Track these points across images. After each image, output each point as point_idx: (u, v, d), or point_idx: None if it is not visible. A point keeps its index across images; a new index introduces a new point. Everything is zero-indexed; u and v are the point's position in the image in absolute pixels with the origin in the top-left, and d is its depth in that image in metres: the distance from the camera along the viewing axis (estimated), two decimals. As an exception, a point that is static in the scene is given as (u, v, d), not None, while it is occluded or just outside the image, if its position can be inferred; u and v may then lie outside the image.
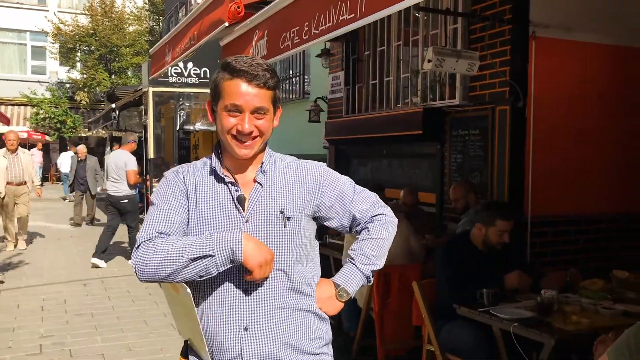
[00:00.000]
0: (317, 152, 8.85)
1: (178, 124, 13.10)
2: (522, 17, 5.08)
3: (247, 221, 1.67)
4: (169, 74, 12.22)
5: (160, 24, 24.90)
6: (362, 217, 1.83)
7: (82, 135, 24.42)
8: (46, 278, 7.38)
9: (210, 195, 1.70)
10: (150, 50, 7.07)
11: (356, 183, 1.89)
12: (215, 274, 1.58)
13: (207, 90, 7.89)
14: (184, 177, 1.73)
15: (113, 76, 23.89)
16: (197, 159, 8.64)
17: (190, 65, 12.20)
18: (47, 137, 23.16)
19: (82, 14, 23.85)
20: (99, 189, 12.97)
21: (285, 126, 10.47)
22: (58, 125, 23.49)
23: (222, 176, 1.71)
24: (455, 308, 3.30)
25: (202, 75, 12.03)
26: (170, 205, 1.67)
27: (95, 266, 8.07)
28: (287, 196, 1.73)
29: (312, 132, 8.80)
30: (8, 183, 8.95)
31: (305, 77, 9.98)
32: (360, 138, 7.27)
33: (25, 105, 24.05)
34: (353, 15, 2.68)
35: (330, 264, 5.34)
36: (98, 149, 24.78)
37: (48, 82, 24.71)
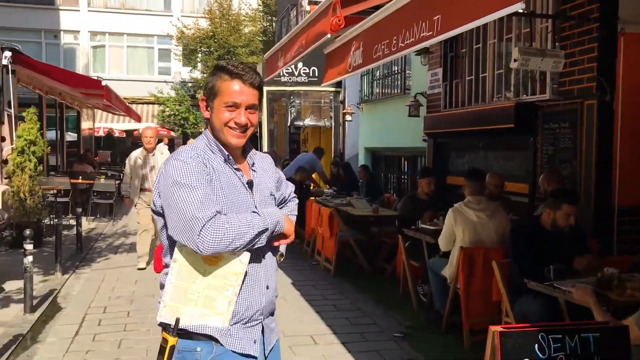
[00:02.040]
0: (417, 145, 9.32)
1: (289, 119, 14.06)
2: (610, 14, 5.30)
3: (255, 202, 2.04)
4: (281, 74, 13.15)
5: (273, 24, 26.19)
6: (287, 198, 2.33)
7: (202, 130, 26.29)
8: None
9: (226, 180, 1.98)
10: (265, 56, 7.88)
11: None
12: (264, 244, 1.94)
13: (317, 88, 8.89)
14: (205, 165, 1.94)
15: (230, 75, 25.47)
16: (306, 152, 9.74)
17: (300, 65, 13.06)
18: (172, 133, 25.26)
19: (202, 17, 25.68)
20: None
21: (387, 121, 11.08)
22: (182, 122, 25.55)
23: (232, 163, 2.02)
24: (526, 283, 3.75)
25: (311, 74, 12.87)
26: (207, 187, 1.89)
27: None
28: (269, 179, 2.18)
29: (412, 126, 9.27)
30: (145, 190, 7.54)
31: (408, 72, 10.44)
32: (457, 131, 7.69)
33: (153, 103, 26.33)
34: (431, 32, 3.23)
35: (422, 248, 5.85)
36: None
37: (173, 82, 26.86)
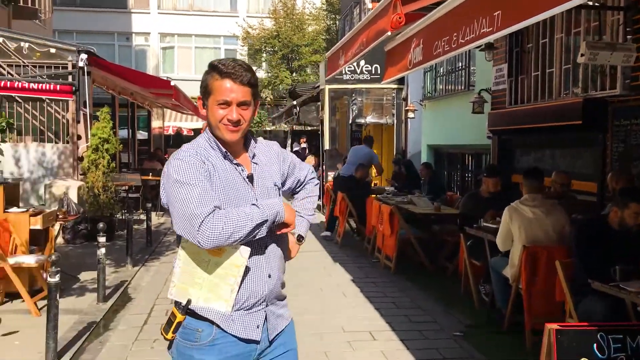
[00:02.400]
0: (481, 143, 9.16)
1: (350, 117, 14.08)
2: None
3: (256, 194, 2.09)
4: (343, 72, 13.18)
5: (337, 22, 26.29)
6: (304, 180, 2.37)
7: (267, 129, 26.76)
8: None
9: (225, 175, 2.04)
10: (326, 54, 7.96)
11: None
12: (264, 234, 2.00)
13: (379, 85, 8.93)
14: (204, 162, 2.01)
15: (294, 74, 25.80)
16: (359, 144, 9.73)
17: (362, 62, 13.04)
18: (237, 131, 25.78)
19: (267, 17, 26.11)
20: None
21: (450, 118, 10.93)
22: (246, 121, 26.03)
23: (231, 158, 2.08)
24: (590, 283, 3.65)
25: (373, 72, 12.84)
26: (206, 183, 1.96)
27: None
28: (273, 170, 2.22)
29: (476, 123, 9.11)
30: None
31: (472, 68, 10.27)
32: (522, 128, 7.51)
33: (219, 102, 26.96)
34: (491, 28, 3.19)
35: (484, 246, 5.77)
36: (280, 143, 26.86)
37: (238, 82, 27.39)
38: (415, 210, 7.93)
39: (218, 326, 2.02)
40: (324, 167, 13.59)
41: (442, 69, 11.67)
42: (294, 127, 22.17)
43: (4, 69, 9.92)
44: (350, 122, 14.38)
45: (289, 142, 26.59)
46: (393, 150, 14.04)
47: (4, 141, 9.78)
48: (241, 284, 2.01)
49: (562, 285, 4.13)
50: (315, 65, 25.24)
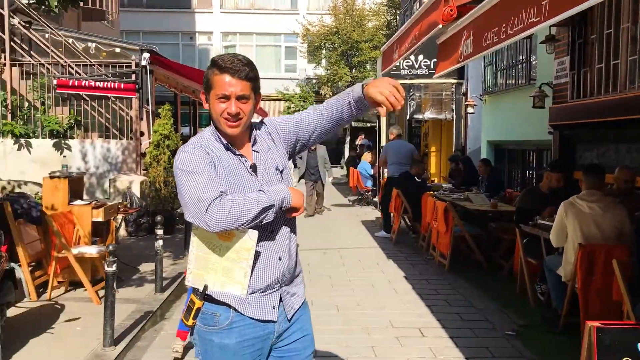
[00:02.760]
0: (542, 138, 8.87)
1: (408, 113, 13.93)
2: None
3: (261, 183, 2.12)
4: (401, 67, 13.06)
5: (397, 17, 26.05)
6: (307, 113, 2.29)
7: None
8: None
9: (229, 166, 2.10)
10: (382, 49, 7.92)
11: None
12: (272, 219, 2.05)
13: (438, 80, 8.78)
14: (208, 152, 2.07)
15: (353, 70, 25.76)
16: (427, 146, 9.68)
17: (420, 57, 12.89)
18: (297, 128, 26.01)
19: (327, 14, 26.16)
20: (329, 179, 13.37)
21: (510, 113, 10.64)
22: (306, 118, 26.24)
23: (234, 150, 2.13)
24: (648, 283, 3.48)
25: (431, 67, 12.64)
26: (211, 171, 2.02)
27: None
28: (274, 154, 2.22)
29: (537, 118, 8.83)
30: None
31: (533, 61, 9.96)
32: (585, 123, 7.23)
33: (279, 100, 27.31)
34: (538, 18, 3.10)
35: (541, 244, 5.60)
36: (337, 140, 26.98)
37: (298, 79, 27.66)
38: (471, 207, 7.78)
39: (235, 309, 2.08)
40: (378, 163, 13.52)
41: (503, 62, 11.37)
42: (353, 123, 22.15)
43: (72, 69, 10.38)
44: (408, 117, 14.23)
45: (348, 138, 26.64)
46: (452, 147, 13.80)
47: (72, 137, 10.29)
48: (253, 268, 2.06)
49: (619, 284, 3.96)
50: (374, 62, 25.12)
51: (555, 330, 4.97)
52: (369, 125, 22.13)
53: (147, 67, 10.11)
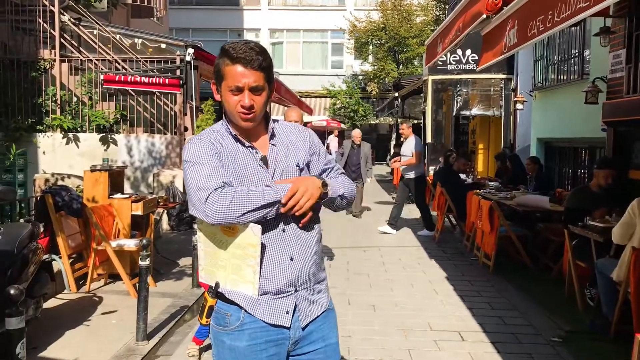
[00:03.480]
0: (594, 135, 8.47)
1: (455, 109, 13.60)
2: None
3: (272, 176, 2.00)
4: (448, 61, 12.76)
5: (446, 12, 25.55)
6: (328, 170, 2.18)
7: (372, 122, 26.66)
8: (333, 243, 8.65)
9: (237, 157, 1.99)
10: (425, 42, 7.70)
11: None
12: (273, 216, 1.90)
13: (487, 75, 8.48)
14: (213, 143, 1.98)
15: (400, 66, 25.45)
16: (474, 144, 9.34)
17: (468, 52, 12.57)
18: (342, 125, 25.89)
19: (374, 10, 25.92)
20: (368, 180, 12.66)
21: (562, 109, 10.22)
22: (351, 114, 26.10)
23: (243, 142, 2.01)
24: None
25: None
26: (215, 162, 1.93)
27: (383, 232, 9.58)
28: (296, 152, 2.09)
29: (590, 115, 8.43)
30: None
31: (587, 55, 9.52)
32: (642, 119, 6.83)
33: (325, 97, 27.25)
34: (587, 3, 2.87)
35: (590, 246, 5.30)
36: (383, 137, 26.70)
37: (344, 75, 27.55)
38: (518, 207, 7.48)
39: (246, 310, 1.96)
40: (425, 161, 13.25)
41: (555, 56, 10.93)
42: (399, 120, 21.88)
43: (119, 64, 10.55)
44: (454, 114, 13.90)
45: (394, 135, 26.31)
46: (500, 144, 13.40)
47: (117, 132, 10.46)
48: (261, 266, 1.93)
49: (676, 292, 3.67)
50: (422, 57, 24.75)
51: (605, 338, 4.69)
52: (415, 122, 21.78)
53: (192, 62, 10.16)
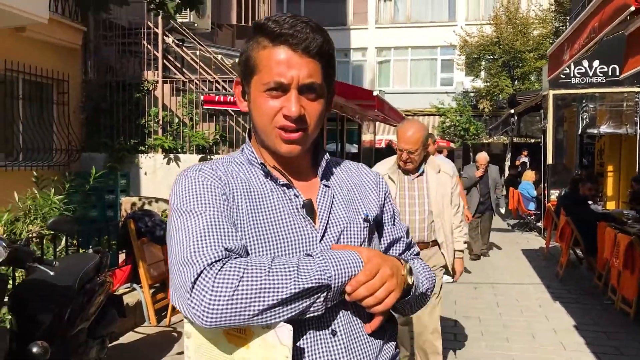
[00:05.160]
0: None
1: (580, 127, 12.21)
2: None
3: (321, 237, 1.23)
4: (572, 75, 11.50)
5: (567, 24, 23.77)
6: (403, 242, 1.41)
7: (484, 142, 25.24)
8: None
9: (264, 202, 1.22)
10: (547, 52, 6.74)
11: None
12: (322, 312, 1.12)
13: (619, 89, 7.08)
14: (221, 178, 1.23)
15: (516, 82, 23.93)
16: (601, 165, 7.93)
17: (596, 63, 11.23)
18: (451, 144, 24.70)
19: (487, 24, 24.62)
20: (502, 210, 11.20)
21: None
22: (462, 133, 24.85)
23: (276, 177, 1.26)
24: None
25: (610, 73, 10.93)
26: (220, 211, 1.16)
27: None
28: (363, 200, 1.33)
29: None
30: None
31: None
32: None
33: (433, 115, 26.22)
34: None
35: None
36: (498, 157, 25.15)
37: (454, 92, 26.38)
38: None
39: None
40: (545, 184, 11.97)
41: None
42: (514, 139, 20.43)
43: (219, 84, 10.39)
44: (579, 132, 12.49)
45: (509, 155, 24.75)
46: (635, 165, 11.82)
47: (217, 152, 10.28)
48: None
49: None
50: (540, 72, 23.10)
51: None
52: (532, 141, 20.21)
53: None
